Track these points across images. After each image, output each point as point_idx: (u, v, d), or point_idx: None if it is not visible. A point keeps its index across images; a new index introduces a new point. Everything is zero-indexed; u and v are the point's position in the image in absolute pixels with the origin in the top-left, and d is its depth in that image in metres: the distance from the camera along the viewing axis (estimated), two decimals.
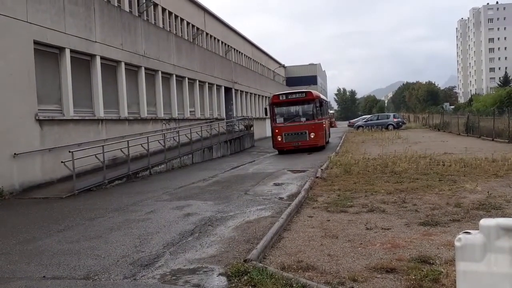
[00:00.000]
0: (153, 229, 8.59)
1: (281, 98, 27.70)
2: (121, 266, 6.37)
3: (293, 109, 27.76)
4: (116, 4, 26.45)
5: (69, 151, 14.51)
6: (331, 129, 57.79)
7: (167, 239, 7.73)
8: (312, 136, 25.93)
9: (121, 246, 7.46)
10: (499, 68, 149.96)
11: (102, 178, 15.33)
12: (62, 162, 14.55)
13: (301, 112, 27.27)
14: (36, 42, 15.45)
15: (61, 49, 16.92)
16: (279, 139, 26.50)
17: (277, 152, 27.42)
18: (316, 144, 26.30)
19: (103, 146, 16.14)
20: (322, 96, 31.96)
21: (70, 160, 14.23)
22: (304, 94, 27.70)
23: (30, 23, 15.15)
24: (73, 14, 17.60)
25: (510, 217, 3.61)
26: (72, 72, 17.32)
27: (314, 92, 28.74)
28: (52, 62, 16.70)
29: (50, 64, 16.60)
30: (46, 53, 16.29)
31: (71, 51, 17.40)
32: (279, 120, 27.13)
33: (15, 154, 14.09)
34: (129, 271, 6.15)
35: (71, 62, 17.36)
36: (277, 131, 26.80)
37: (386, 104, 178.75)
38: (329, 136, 35.77)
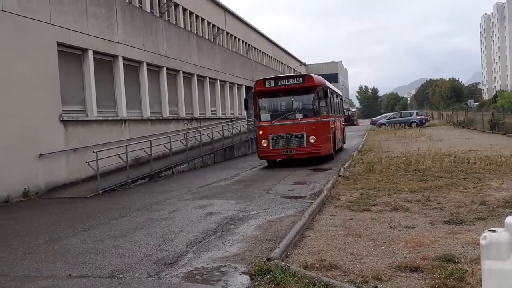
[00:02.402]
0: (176, 228, 8.64)
1: (267, 85, 19.18)
2: (145, 265, 6.43)
3: (284, 101, 19.60)
4: (137, 5, 26.64)
5: (93, 151, 14.69)
6: (353, 127, 56.71)
7: (190, 238, 7.77)
8: (312, 141, 18.27)
9: (145, 245, 7.51)
10: None
11: (126, 178, 15.50)
12: (86, 162, 14.73)
13: (296, 106, 18.93)
14: (59, 44, 15.67)
15: (84, 51, 17.14)
16: (265, 145, 18.74)
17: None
18: (317, 152, 18.50)
19: (126, 146, 16.32)
20: (329, 85, 22.28)
21: (94, 160, 14.40)
22: (301, 79, 19.15)
23: (54, 25, 15.37)
24: (95, 15, 17.80)
25: None
26: (95, 73, 17.53)
27: (316, 77, 19.76)
28: (75, 63, 16.92)
29: (74, 65, 16.82)
30: (70, 54, 16.51)
31: (94, 52, 17.61)
32: (265, 117, 19.10)
33: (40, 154, 14.32)
34: (153, 269, 6.20)
35: (94, 63, 17.58)
36: (261, 132, 18.95)
37: (409, 102, 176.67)
38: (344, 142, 27.33)
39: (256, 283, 5.32)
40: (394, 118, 55.40)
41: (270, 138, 18.56)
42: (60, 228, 9.35)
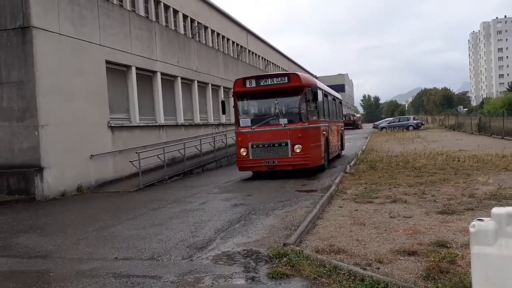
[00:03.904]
0: (206, 217, 8.67)
1: (247, 85, 14.38)
2: (180, 249, 6.46)
3: (268, 104, 14.73)
4: (173, 28, 26.86)
5: (136, 152, 14.84)
6: (357, 131, 55.98)
7: (218, 226, 7.78)
8: (298, 150, 13.57)
9: (180, 232, 7.55)
10: (508, 74, 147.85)
11: (163, 175, 15.62)
12: (130, 161, 14.89)
13: (280, 110, 14.10)
14: (107, 62, 15.88)
15: (128, 67, 17.33)
16: (243, 154, 14.14)
17: None
18: (304, 164, 13.74)
19: (163, 148, 16.44)
20: (321, 85, 17.19)
21: (137, 160, 14.55)
22: (286, 78, 14.17)
23: (103, 45, 15.58)
24: (137, 37, 17.99)
25: None
26: (137, 86, 17.72)
27: (304, 76, 15.04)
28: (120, 78, 17.12)
29: (119, 80, 17.03)
30: (116, 70, 16.71)
31: (137, 68, 17.80)
32: (244, 122, 14.40)
33: (91, 155, 14.51)
34: (187, 253, 6.23)
35: (137, 78, 17.77)
36: (240, 139, 14.40)
37: (406, 108, 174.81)
38: (342, 148, 21.83)
39: (275, 265, 5.31)
40: (393, 122, 54.98)
41: (249, 146, 13.96)
42: (108, 217, 9.45)
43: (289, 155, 13.65)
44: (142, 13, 24.04)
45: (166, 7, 28.25)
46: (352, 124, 61.32)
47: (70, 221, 9.38)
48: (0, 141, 12.92)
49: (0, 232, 8.51)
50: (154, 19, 25.13)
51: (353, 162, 17.10)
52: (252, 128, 14.10)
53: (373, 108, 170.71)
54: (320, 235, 6.66)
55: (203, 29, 33.13)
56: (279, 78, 14.14)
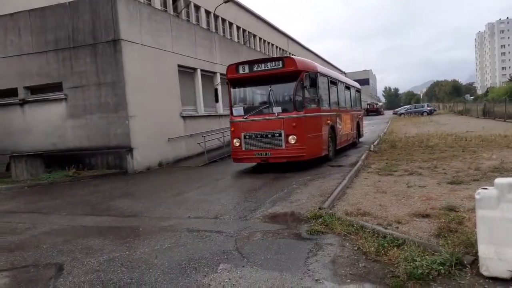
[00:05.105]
0: (256, 186, 8.70)
1: (241, 71, 10.93)
2: (237, 210, 6.57)
3: (262, 91, 11.19)
4: (228, 37, 26.92)
5: (202, 136, 15.14)
6: (379, 116, 54.49)
7: (266, 193, 7.80)
8: (293, 142, 10.20)
9: (236, 198, 7.65)
10: (510, 67, 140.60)
11: (223, 153, 15.82)
12: (198, 143, 15.22)
13: (274, 97, 10.64)
14: (179, 66, 16.16)
15: (195, 69, 17.58)
16: (237, 145, 10.91)
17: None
18: (298, 156, 10.31)
19: (223, 132, 16.63)
20: (323, 70, 12.34)
21: (203, 142, 14.85)
22: (280, 62, 10.47)
23: (175, 53, 15.86)
24: (201, 45, 18.17)
25: None
26: (202, 84, 17.95)
27: (300, 60, 10.84)
28: (189, 78, 17.41)
29: (188, 79, 17.32)
30: (185, 72, 16.99)
31: (201, 70, 18.02)
32: (237, 111, 11.06)
33: (169, 139, 14.92)
34: (242, 213, 6.33)
35: (201, 77, 17.99)
36: (233, 130, 11.10)
37: (421, 97, 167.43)
38: (359, 136, 17.56)
39: (312, 224, 5.31)
40: (410, 109, 53.09)
41: (242, 136, 10.76)
42: (182, 186, 9.66)
43: (283, 147, 10.29)
44: (204, 25, 24.25)
45: (223, 20, 28.35)
46: (375, 111, 60.13)
47: (154, 189, 9.65)
48: (100, 128, 13.53)
49: (103, 197, 8.93)
50: (214, 30, 25.30)
51: (376, 142, 16.66)
52: (245, 117, 10.78)
53: (393, 98, 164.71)
54: (349, 201, 6.57)
55: (252, 37, 32.98)
56: (273, 63, 10.57)
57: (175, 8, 24.28)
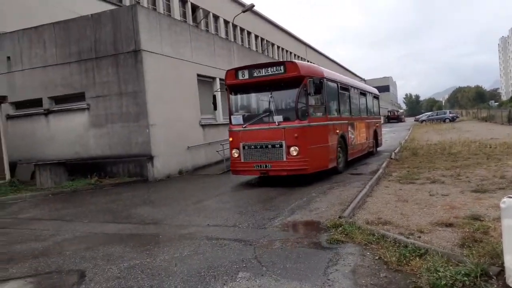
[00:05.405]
0: (275, 194, 8.66)
1: (240, 77, 10.18)
2: (256, 218, 6.56)
3: (262, 97, 10.26)
4: (247, 46, 27.13)
5: (221, 144, 15.19)
6: (401, 124, 53.50)
7: (285, 201, 7.77)
8: (295, 153, 9.30)
9: (255, 206, 7.59)
10: None
11: None
12: (216, 151, 15.29)
13: (275, 104, 9.78)
14: (198, 75, 16.32)
15: (213, 78, 17.70)
16: (235, 156, 10.08)
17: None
18: (301, 169, 9.44)
19: None
20: (331, 75, 11.48)
21: (221, 150, 14.89)
22: (281, 67, 9.54)
23: (194, 62, 16.05)
24: (220, 54, 18.34)
25: None
26: (220, 93, 18.06)
27: (303, 65, 10.09)
28: (208, 86, 17.54)
29: (207, 88, 17.45)
30: (204, 81, 17.14)
31: (220, 79, 18.08)
32: (236, 119, 10.23)
33: (188, 147, 15.05)
34: (261, 222, 6.32)
35: (220, 86, 18.09)
36: (231, 139, 10.25)
37: (443, 104, 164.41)
38: (377, 145, 16.64)
39: (332, 233, 5.26)
40: (432, 116, 52.26)
41: (241, 147, 9.93)
42: (201, 194, 9.71)
43: (284, 159, 9.41)
44: (223, 35, 24.54)
45: (242, 30, 28.64)
46: (396, 118, 59.42)
47: (174, 196, 9.74)
48: (122, 137, 13.79)
49: (124, 205, 9.05)
50: (232, 39, 25.56)
51: (397, 149, 16.40)
52: (244, 126, 9.96)
53: (414, 105, 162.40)
54: (370, 210, 6.48)
55: (270, 45, 33.16)
56: (274, 68, 9.68)
57: (194, 19, 24.71)
